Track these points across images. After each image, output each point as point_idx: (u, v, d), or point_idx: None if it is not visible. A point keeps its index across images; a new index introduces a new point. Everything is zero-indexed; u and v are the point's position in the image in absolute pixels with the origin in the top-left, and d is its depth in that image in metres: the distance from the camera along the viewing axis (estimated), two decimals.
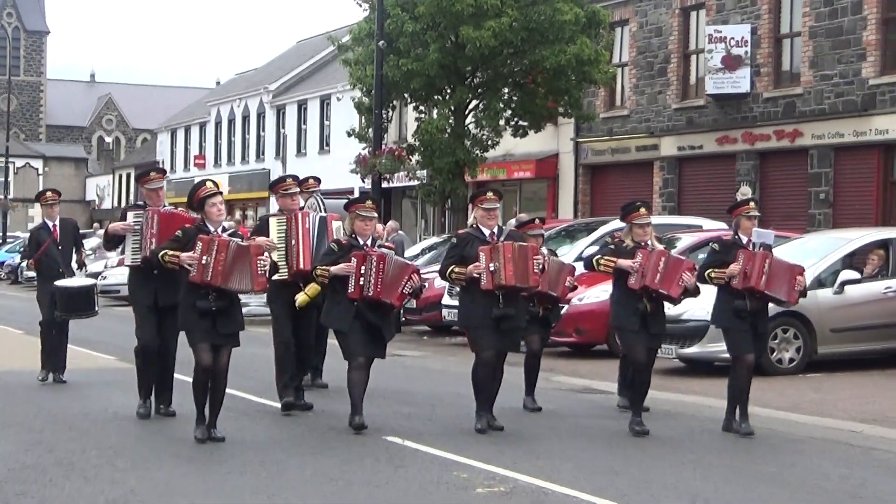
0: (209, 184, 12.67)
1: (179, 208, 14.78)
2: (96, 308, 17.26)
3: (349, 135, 37.53)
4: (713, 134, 35.38)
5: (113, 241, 14.86)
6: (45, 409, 15.49)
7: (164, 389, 14.35)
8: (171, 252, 12.23)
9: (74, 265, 17.65)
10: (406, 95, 34.46)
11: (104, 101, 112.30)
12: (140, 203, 14.55)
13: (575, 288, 15.79)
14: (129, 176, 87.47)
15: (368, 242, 13.19)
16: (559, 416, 15.09)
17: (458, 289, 14.24)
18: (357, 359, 13.12)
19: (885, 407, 15.07)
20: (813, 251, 19.90)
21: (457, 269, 13.26)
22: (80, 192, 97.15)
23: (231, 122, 67.88)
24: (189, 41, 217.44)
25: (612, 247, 13.80)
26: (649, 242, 13.47)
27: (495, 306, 13.11)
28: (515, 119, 34.07)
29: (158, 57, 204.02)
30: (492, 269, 12.92)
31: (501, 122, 33.91)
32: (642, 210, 13.56)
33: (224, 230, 12.56)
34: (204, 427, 12.48)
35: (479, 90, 33.51)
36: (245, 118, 66.07)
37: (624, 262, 13.22)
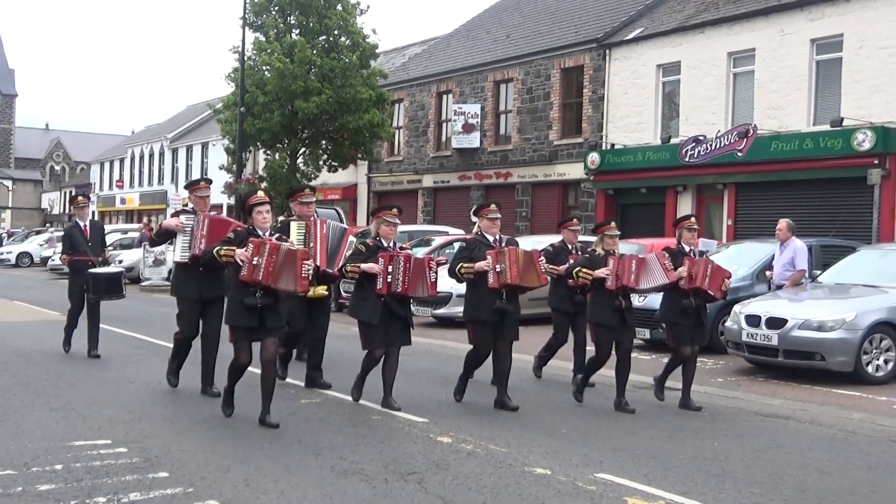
0: (260, 193, 9.87)
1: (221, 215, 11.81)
2: (124, 292, 14.44)
3: (220, 168, 37.16)
4: (456, 173, 35.73)
5: (163, 237, 11.49)
6: (11, 349, 14.97)
7: (209, 372, 11.19)
8: (226, 248, 9.35)
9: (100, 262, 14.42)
10: (258, 144, 34.09)
11: (54, 142, 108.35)
12: (188, 208, 11.45)
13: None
14: (70, 192, 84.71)
15: (392, 244, 10.56)
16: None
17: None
18: (377, 349, 10.41)
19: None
20: None
21: (465, 265, 10.59)
22: (36, 203, 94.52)
23: (141, 158, 66.02)
24: (113, 100, 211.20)
25: (587, 256, 11.29)
26: (616, 250, 11.09)
27: (498, 301, 10.54)
28: (330, 161, 33.96)
29: (93, 111, 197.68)
30: (498, 269, 10.43)
31: (321, 163, 33.78)
32: (613, 224, 11.31)
33: (271, 234, 9.62)
34: (231, 407, 9.81)
35: (307, 142, 33.27)
36: (151, 156, 64.28)
37: (599, 272, 10.77)
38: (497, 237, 10.91)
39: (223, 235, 10.14)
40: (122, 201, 67.02)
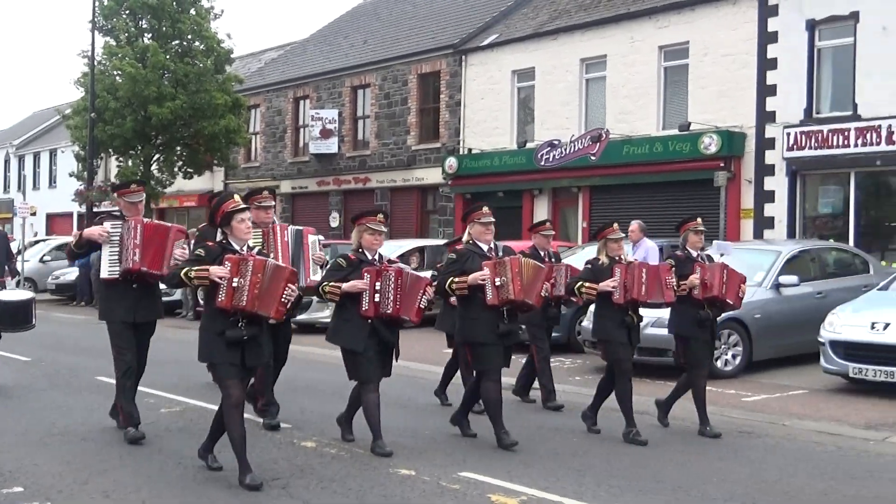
0: (236, 197, 7.93)
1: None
2: (34, 321, 12.32)
3: (70, 176, 36.17)
4: (314, 179, 35.53)
5: (84, 248, 9.39)
6: None
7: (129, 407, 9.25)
8: (197, 267, 7.38)
9: (9, 279, 12.74)
10: (110, 150, 33.29)
11: None
12: (116, 213, 9.36)
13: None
14: None
15: (377, 257, 8.82)
16: None
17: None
18: (371, 383, 8.64)
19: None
20: None
21: (457, 280, 8.91)
22: None
23: None
24: None
25: (590, 266, 9.68)
26: (622, 256, 9.70)
27: (501, 322, 8.93)
28: (185, 167, 33.41)
29: None
30: (498, 283, 8.78)
31: (176, 170, 33.22)
32: (615, 226, 9.80)
33: (249, 248, 7.73)
34: (251, 473, 7.45)
35: (161, 148, 32.65)
36: None
37: (603, 286, 9.36)
38: (492, 245, 9.29)
39: (163, 244, 8.81)
40: None
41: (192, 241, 9.74)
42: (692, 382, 9.96)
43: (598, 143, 25.53)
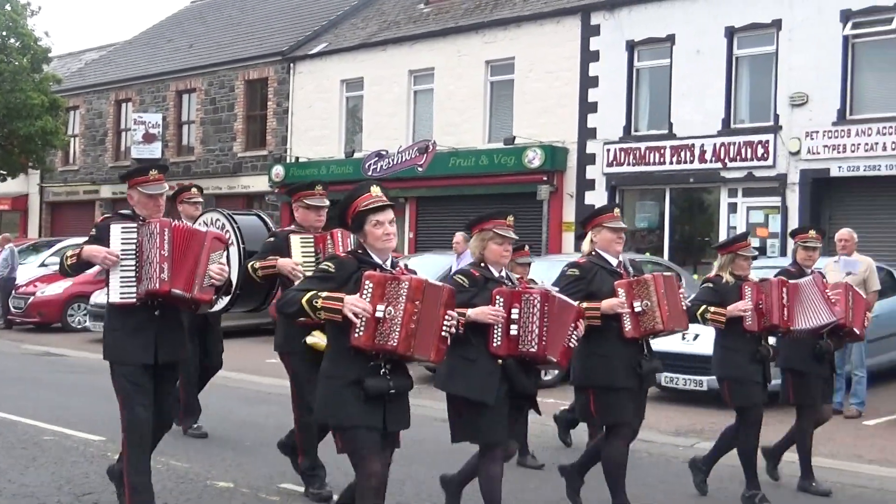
0: (374, 190, 5.54)
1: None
2: None
3: None
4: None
5: (83, 267, 6.54)
6: None
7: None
8: (326, 295, 5.07)
9: None
10: None
11: None
12: (126, 212, 6.74)
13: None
14: None
15: (503, 274, 6.37)
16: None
17: None
18: (498, 447, 6.34)
19: None
20: None
21: (587, 304, 6.62)
22: None
23: None
24: None
25: (712, 286, 7.84)
26: (750, 276, 7.86)
27: (642, 358, 6.81)
28: None
29: None
30: (638, 309, 6.68)
31: None
32: (749, 240, 8.04)
33: (393, 265, 5.51)
34: None
35: None
36: None
37: (733, 309, 7.55)
38: (621, 258, 7.16)
39: (197, 255, 6.32)
40: None
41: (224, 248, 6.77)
42: (810, 424, 8.30)
43: (424, 155, 25.80)
